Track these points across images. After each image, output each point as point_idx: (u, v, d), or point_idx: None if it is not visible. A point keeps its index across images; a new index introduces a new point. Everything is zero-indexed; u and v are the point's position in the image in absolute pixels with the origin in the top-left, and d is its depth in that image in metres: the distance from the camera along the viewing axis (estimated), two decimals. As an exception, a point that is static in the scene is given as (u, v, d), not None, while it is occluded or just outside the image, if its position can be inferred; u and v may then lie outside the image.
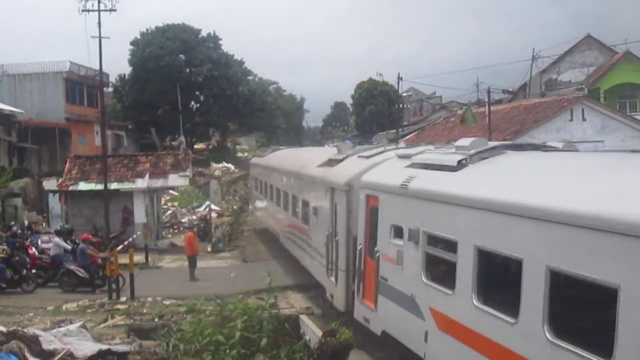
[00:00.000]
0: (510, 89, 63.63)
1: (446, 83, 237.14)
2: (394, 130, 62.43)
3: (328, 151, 25.46)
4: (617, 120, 38.66)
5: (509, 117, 42.56)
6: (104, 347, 12.90)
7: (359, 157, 18.43)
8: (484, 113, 40.64)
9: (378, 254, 13.86)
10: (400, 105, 73.20)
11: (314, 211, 20.43)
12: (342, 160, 19.50)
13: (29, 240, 27.97)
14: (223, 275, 27.46)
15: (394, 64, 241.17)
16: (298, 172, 23.96)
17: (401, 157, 14.90)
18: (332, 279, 17.83)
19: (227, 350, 13.81)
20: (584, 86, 50.67)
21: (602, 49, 59.38)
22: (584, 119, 38.08)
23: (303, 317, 18.16)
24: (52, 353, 12.11)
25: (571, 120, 38.04)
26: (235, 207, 49.86)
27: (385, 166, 15.44)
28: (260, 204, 36.09)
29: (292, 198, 25.27)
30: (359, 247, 15.40)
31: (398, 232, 12.97)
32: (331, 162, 20.22)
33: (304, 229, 22.45)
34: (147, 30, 70.28)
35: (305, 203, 22.23)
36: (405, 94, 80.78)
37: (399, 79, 59.45)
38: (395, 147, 19.67)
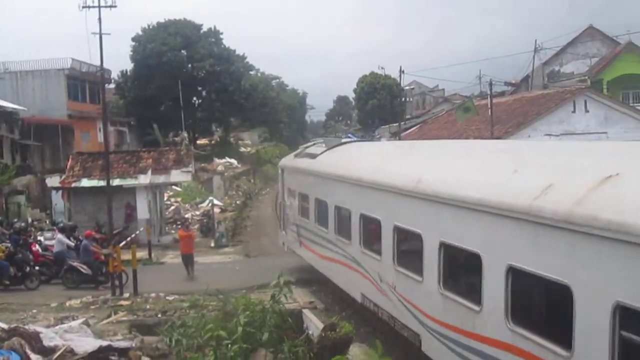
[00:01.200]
0: (513, 81, 63.47)
1: (449, 76, 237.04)
2: (397, 124, 62.29)
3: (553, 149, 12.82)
4: (620, 112, 38.47)
5: (512, 109, 42.45)
6: (105, 343, 12.94)
7: None
8: (486, 105, 40.55)
9: None
10: (403, 99, 72.99)
11: None
12: None
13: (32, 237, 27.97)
14: (226, 270, 27.51)
15: (397, 57, 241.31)
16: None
17: None
18: None
19: (230, 346, 13.77)
20: (586, 77, 50.57)
21: (604, 40, 59.19)
22: (586, 111, 37.92)
23: (306, 312, 18.19)
24: (53, 350, 12.13)
25: (574, 112, 37.88)
26: (238, 202, 49.88)
27: None
28: (313, 237, 21.53)
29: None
30: None
31: None
32: None
33: None
34: (148, 26, 70.26)
35: None
36: (407, 87, 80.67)
37: (401, 72, 59.29)
38: None
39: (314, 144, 25.53)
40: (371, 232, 15.82)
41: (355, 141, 26.14)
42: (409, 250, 13.62)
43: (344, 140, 24.92)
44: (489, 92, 43.56)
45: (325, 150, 21.91)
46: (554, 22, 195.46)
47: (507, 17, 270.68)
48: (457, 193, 11.02)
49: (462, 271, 11.51)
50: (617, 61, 51.92)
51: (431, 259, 11.97)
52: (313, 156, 22.38)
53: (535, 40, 58.21)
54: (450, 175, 11.96)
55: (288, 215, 25.53)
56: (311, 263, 22.35)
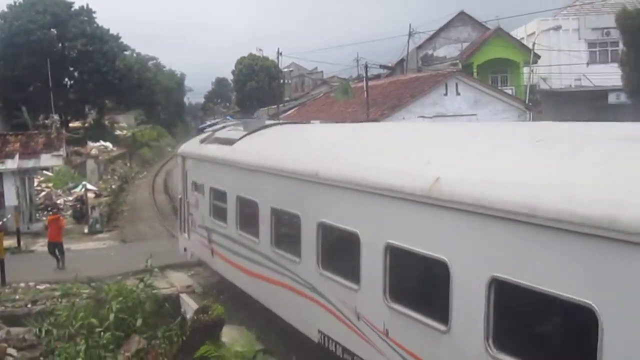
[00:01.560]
0: (389, 65, 64.88)
1: (327, 59, 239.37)
2: (275, 106, 62.44)
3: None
4: (489, 95, 40.16)
5: (387, 92, 43.42)
6: (-34, 336, 12.35)
7: None
8: (362, 88, 41.25)
9: None
10: (281, 81, 73.22)
11: None
12: None
13: None
14: (101, 257, 26.83)
15: (276, 39, 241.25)
16: None
17: None
18: None
19: (102, 333, 13.52)
20: (458, 61, 52.34)
21: (474, 25, 61.27)
22: (458, 94, 39.32)
23: (183, 296, 18.05)
24: None
25: (446, 94, 39.19)
26: (114, 186, 48.66)
27: None
28: (234, 247, 16.26)
29: None
30: None
31: None
32: None
33: None
34: (15, 2, 66.97)
35: None
36: (286, 70, 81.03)
37: (279, 54, 59.50)
38: None
39: (225, 127, 22.30)
40: (340, 248, 11.56)
41: (282, 123, 22.05)
42: (417, 282, 9.63)
43: (267, 122, 20.67)
44: (364, 75, 44.40)
45: (246, 135, 17.37)
46: (428, 6, 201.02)
47: (383, 2, 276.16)
48: (539, 204, 6.74)
49: (538, 325, 7.28)
50: (486, 46, 53.99)
51: (469, 301, 7.79)
52: (229, 142, 17.69)
53: (410, 25, 59.61)
54: (509, 175, 7.70)
55: (193, 215, 20.34)
56: (229, 279, 17.15)
